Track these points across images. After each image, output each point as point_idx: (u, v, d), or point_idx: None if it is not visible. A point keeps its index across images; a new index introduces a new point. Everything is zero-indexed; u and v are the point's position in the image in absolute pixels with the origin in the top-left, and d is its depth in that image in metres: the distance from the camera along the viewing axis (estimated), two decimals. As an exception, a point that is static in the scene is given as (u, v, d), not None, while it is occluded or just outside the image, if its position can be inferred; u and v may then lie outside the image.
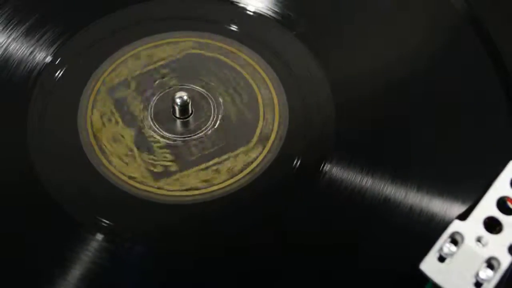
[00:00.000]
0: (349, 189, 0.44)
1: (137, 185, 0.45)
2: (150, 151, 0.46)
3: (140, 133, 0.47)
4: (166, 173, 0.46)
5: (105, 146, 0.46)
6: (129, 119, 0.48)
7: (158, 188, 0.45)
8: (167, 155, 0.46)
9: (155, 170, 0.46)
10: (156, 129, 0.47)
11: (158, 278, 0.42)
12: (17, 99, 0.48)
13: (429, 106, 0.48)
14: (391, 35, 0.52)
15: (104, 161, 0.46)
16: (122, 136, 0.47)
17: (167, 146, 0.47)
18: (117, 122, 0.47)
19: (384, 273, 0.42)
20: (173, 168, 0.46)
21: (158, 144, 0.47)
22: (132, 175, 0.45)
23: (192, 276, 0.42)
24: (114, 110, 0.48)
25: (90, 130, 0.47)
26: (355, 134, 0.47)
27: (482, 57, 0.50)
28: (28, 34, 0.51)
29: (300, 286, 0.42)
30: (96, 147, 0.46)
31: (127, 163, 0.46)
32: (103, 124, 0.47)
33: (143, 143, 0.47)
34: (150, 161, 0.46)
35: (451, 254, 0.38)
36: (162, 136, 0.47)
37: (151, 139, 0.47)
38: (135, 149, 0.46)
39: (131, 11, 0.52)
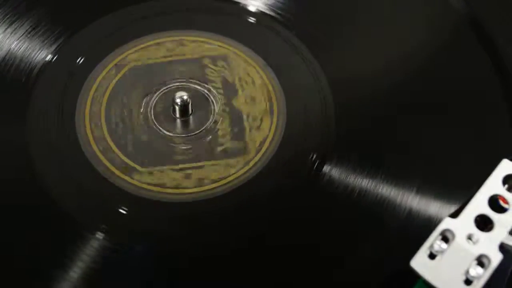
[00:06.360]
0: (349, 189, 0.45)
1: (137, 183, 0.45)
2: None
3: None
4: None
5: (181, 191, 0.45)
6: (162, 158, 0.47)
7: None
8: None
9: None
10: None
11: (158, 278, 0.42)
12: (17, 98, 0.48)
13: (429, 106, 0.48)
14: (391, 35, 0.52)
15: (104, 160, 0.46)
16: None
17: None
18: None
19: (384, 273, 0.42)
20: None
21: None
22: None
23: (192, 276, 0.42)
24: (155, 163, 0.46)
25: (89, 130, 0.47)
26: (355, 134, 0.47)
27: (482, 57, 0.50)
28: (28, 33, 0.51)
29: (300, 285, 0.42)
30: (95, 146, 0.46)
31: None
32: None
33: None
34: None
35: (442, 252, 0.37)
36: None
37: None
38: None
39: (131, 11, 0.52)
